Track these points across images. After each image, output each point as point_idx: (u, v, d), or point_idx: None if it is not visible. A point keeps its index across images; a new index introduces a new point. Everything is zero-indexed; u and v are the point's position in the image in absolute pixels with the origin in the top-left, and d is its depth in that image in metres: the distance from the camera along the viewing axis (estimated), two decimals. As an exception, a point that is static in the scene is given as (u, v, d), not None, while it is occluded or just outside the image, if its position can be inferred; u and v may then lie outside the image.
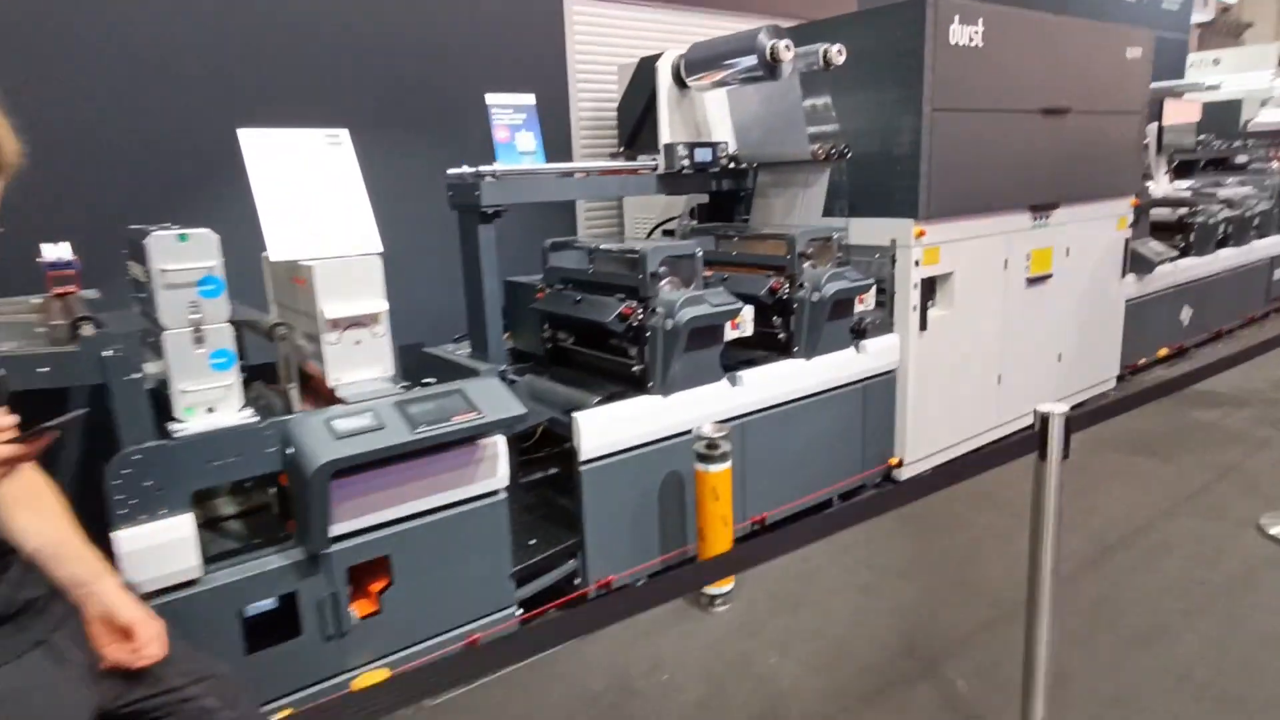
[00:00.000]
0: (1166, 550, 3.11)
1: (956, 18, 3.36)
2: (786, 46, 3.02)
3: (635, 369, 2.86)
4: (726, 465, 2.67)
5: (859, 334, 3.45)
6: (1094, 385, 4.84)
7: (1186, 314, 5.68)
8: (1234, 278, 6.12)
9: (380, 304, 2.26)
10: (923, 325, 3.57)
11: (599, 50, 4.26)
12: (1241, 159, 7.64)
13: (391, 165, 3.19)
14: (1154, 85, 5.24)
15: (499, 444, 2.42)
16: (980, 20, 3.45)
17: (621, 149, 3.91)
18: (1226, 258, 5.97)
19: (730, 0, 4.68)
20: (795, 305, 3.16)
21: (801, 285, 3.14)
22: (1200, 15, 22.62)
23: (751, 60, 3.08)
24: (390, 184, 2.75)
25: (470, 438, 2.31)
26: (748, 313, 2.99)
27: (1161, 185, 4.97)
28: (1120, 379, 5.24)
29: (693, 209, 4.05)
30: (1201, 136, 5.82)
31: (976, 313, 3.87)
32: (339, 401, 2.19)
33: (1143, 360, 5.23)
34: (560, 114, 4.13)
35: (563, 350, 3.24)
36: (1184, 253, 5.66)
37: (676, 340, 2.79)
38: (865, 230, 3.62)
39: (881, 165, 3.50)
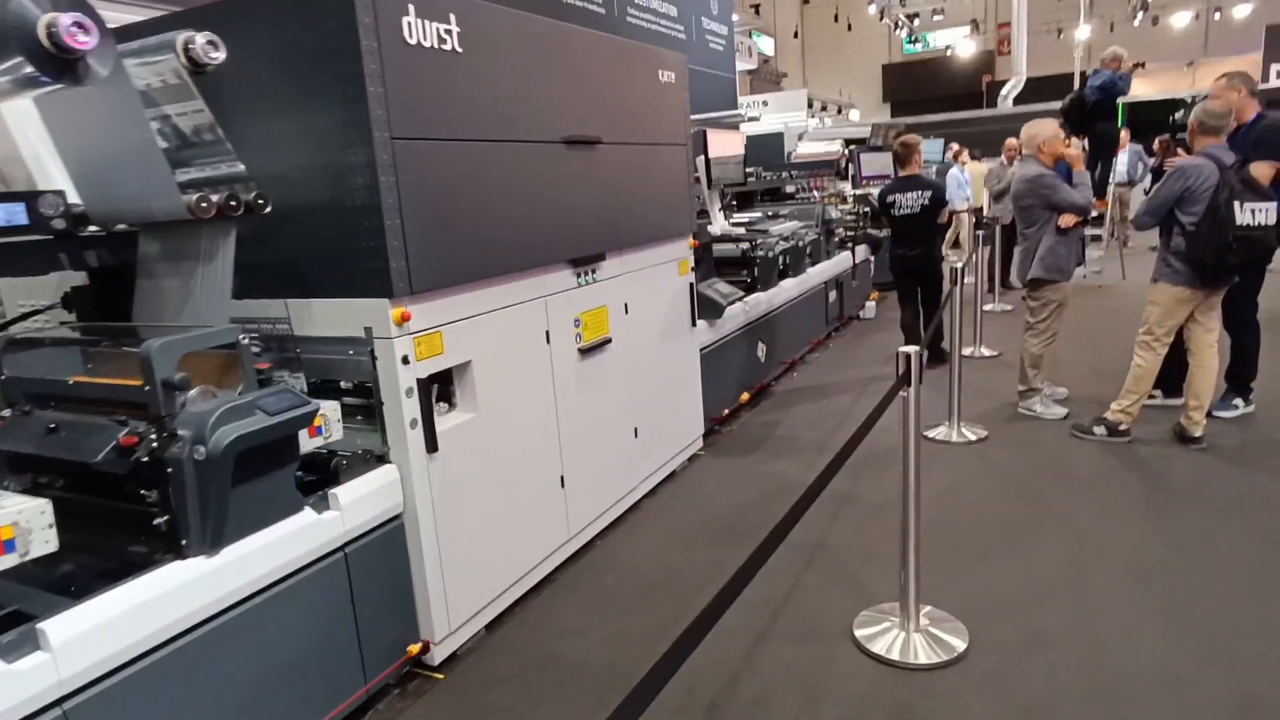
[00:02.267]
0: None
1: (411, 8, 2.33)
2: (78, 25, 1.70)
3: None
4: None
5: (322, 482, 2.24)
6: (680, 452, 4.24)
7: (762, 350, 5.49)
8: (797, 307, 6.17)
9: None
10: (431, 443, 2.48)
11: None
12: (791, 188, 8.08)
13: None
14: (696, 116, 4.90)
15: None
16: (452, 16, 2.48)
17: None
18: (789, 288, 5.97)
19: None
20: (170, 469, 1.83)
21: (175, 435, 1.83)
22: (746, 64, 25.78)
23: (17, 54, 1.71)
24: None
25: None
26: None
27: (719, 222, 4.63)
28: (711, 432, 4.78)
29: (66, 294, 2.54)
30: (750, 169, 5.78)
31: (516, 406, 2.91)
32: None
33: (726, 411, 4.82)
34: None
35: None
36: (750, 289, 5.47)
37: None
38: (329, 315, 2.44)
39: (329, 221, 2.35)
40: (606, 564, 3.38)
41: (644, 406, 3.80)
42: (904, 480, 2.65)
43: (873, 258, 8.87)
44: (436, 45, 2.43)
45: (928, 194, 5.71)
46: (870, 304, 8.22)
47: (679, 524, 3.73)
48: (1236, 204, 3.66)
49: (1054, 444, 4.36)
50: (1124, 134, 12.33)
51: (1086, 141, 8.94)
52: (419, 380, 2.43)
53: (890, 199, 5.79)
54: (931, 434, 4.56)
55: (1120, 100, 11.44)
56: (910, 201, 5.72)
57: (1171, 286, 3.96)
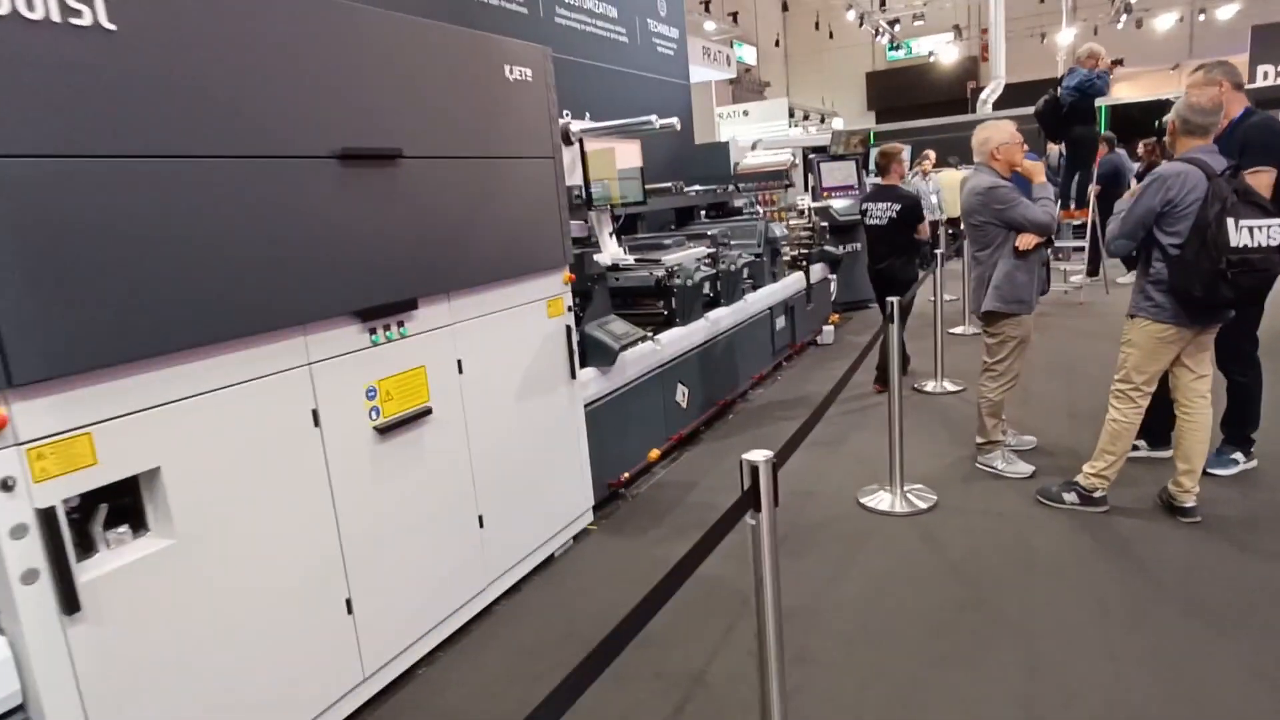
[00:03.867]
0: None
1: (1, -39, 1.57)
2: None
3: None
4: None
5: None
6: (558, 532, 3.46)
7: (683, 394, 4.71)
8: (733, 339, 5.40)
9: None
10: (69, 601, 1.69)
11: None
12: (739, 202, 7.33)
13: None
14: (593, 125, 4.14)
15: None
16: (94, -23, 1.71)
17: None
18: (721, 318, 5.20)
19: None
20: None
21: None
22: (726, 73, 25.22)
23: None
24: None
25: None
26: None
27: (610, 249, 3.86)
28: (611, 499, 3.99)
29: None
30: (670, 184, 5.00)
31: (254, 519, 2.12)
32: None
33: (626, 475, 4.03)
34: None
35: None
36: (667, 323, 4.70)
37: None
38: (-95, 418, 1.65)
39: None
40: (423, 707, 2.59)
41: (494, 486, 3.02)
42: (760, 663, 1.87)
43: (833, 277, 8.13)
44: (65, 20, 1.66)
45: (896, 206, 5.25)
46: (828, 328, 7.46)
47: (537, 637, 2.94)
48: (1230, 221, 2.90)
49: (1015, 514, 3.58)
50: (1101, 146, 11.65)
51: (1064, 146, 8.26)
52: (41, 511, 1.64)
53: (864, 207, 5.60)
54: (868, 501, 3.78)
55: (1100, 102, 10.76)
56: (879, 212, 5.36)
57: (1152, 324, 3.20)
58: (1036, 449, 4.31)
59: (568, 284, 3.46)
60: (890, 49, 29.66)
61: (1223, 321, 3.23)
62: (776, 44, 31.44)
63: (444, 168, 2.71)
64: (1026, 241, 3.70)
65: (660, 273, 4.59)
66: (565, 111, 4.83)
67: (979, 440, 4.08)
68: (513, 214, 3.07)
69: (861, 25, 26.80)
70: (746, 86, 27.69)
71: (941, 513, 3.66)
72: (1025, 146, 3.91)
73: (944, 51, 28.47)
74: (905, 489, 3.79)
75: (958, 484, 3.96)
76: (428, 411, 2.67)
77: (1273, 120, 3.44)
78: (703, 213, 6.90)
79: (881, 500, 3.76)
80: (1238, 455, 3.76)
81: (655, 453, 4.26)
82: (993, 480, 3.96)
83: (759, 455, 1.71)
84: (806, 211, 7.72)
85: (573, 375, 3.49)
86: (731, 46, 25.67)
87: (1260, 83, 17.36)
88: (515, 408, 3.15)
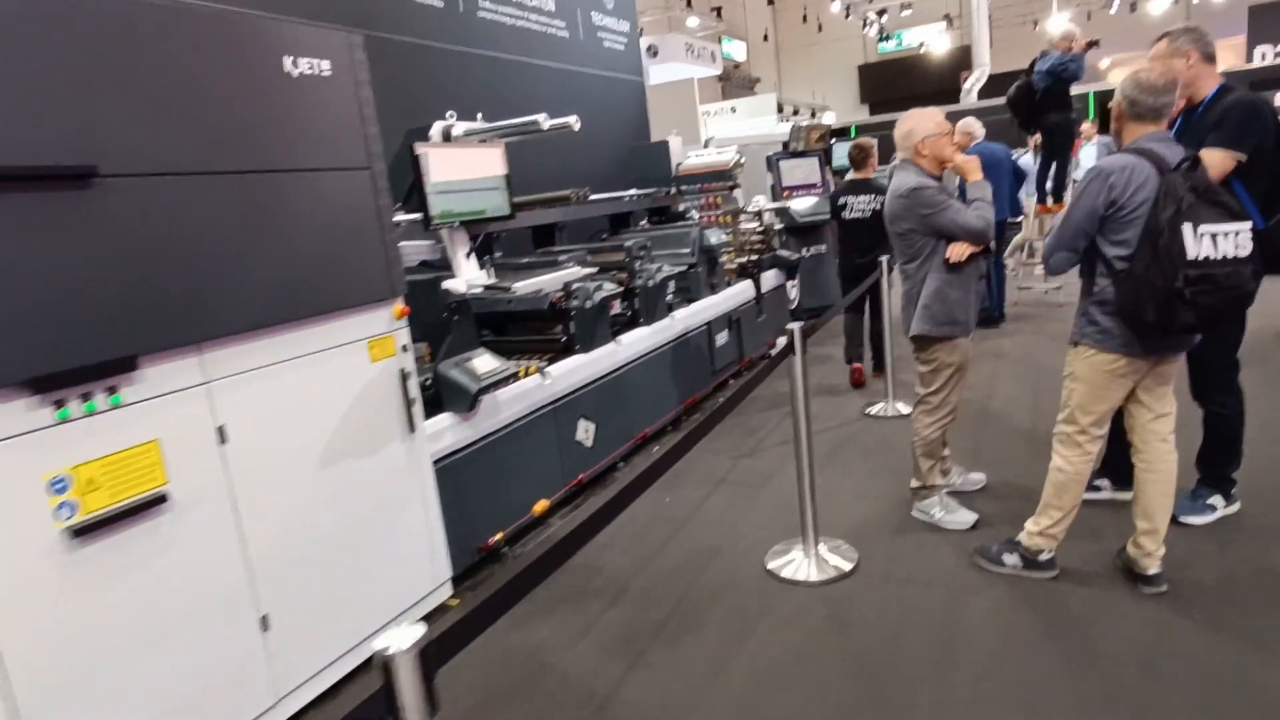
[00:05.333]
0: None
1: None
2: None
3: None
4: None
5: None
6: (395, 618, 2.88)
7: (587, 431, 4.13)
8: (654, 362, 4.81)
9: None
10: None
11: None
12: (683, 206, 6.74)
13: None
14: (476, 127, 3.56)
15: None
16: None
17: None
18: (639, 341, 4.62)
19: None
20: None
21: None
22: (712, 70, 24.67)
23: None
24: None
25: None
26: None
27: (467, 272, 3.26)
28: (480, 567, 3.42)
29: None
30: (570, 191, 4.39)
31: None
32: None
33: (499, 535, 3.44)
34: None
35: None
36: (566, 351, 4.12)
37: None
38: None
39: None
40: None
41: (284, 577, 2.45)
42: None
43: (791, 283, 7.54)
44: None
45: (881, 199, 4.83)
46: (784, 340, 6.84)
47: None
48: (1187, 226, 2.31)
49: (947, 581, 2.99)
50: (1092, 126, 11.02)
51: (1039, 135, 7.65)
52: None
53: (842, 201, 5.46)
54: (777, 565, 3.19)
55: (1089, 89, 10.07)
56: (862, 205, 5.25)
57: (1098, 354, 2.60)
58: (986, 488, 3.72)
59: (401, 319, 2.88)
60: (880, 40, 28.99)
61: (1186, 349, 2.64)
62: (765, 39, 30.88)
63: (179, 187, 2.13)
64: (958, 252, 3.10)
65: (560, 294, 4.02)
66: (450, 112, 4.28)
67: (914, 485, 3.49)
68: (303, 241, 2.50)
69: (848, 17, 26.19)
70: (736, 83, 27.10)
71: (860, 580, 3.07)
72: (957, 137, 3.32)
73: (935, 41, 27.79)
74: (821, 548, 3.20)
75: (888, 537, 3.36)
76: (162, 499, 2.10)
77: (1258, 100, 2.82)
78: (634, 219, 6.31)
79: (792, 563, 3.17)
80: (1215, 499, 3.16)
81: (543, 504, 3.67)
82: (929, 532, 3.37)
83: (400, 640, 1.11)
84: (759, 214, 7.12)
85: (411, 428, 2.92)
86: (719, 42, 25.15)
87: (1258, 63, 16.69)
88: (318, 477, 2.57)
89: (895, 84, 29.46)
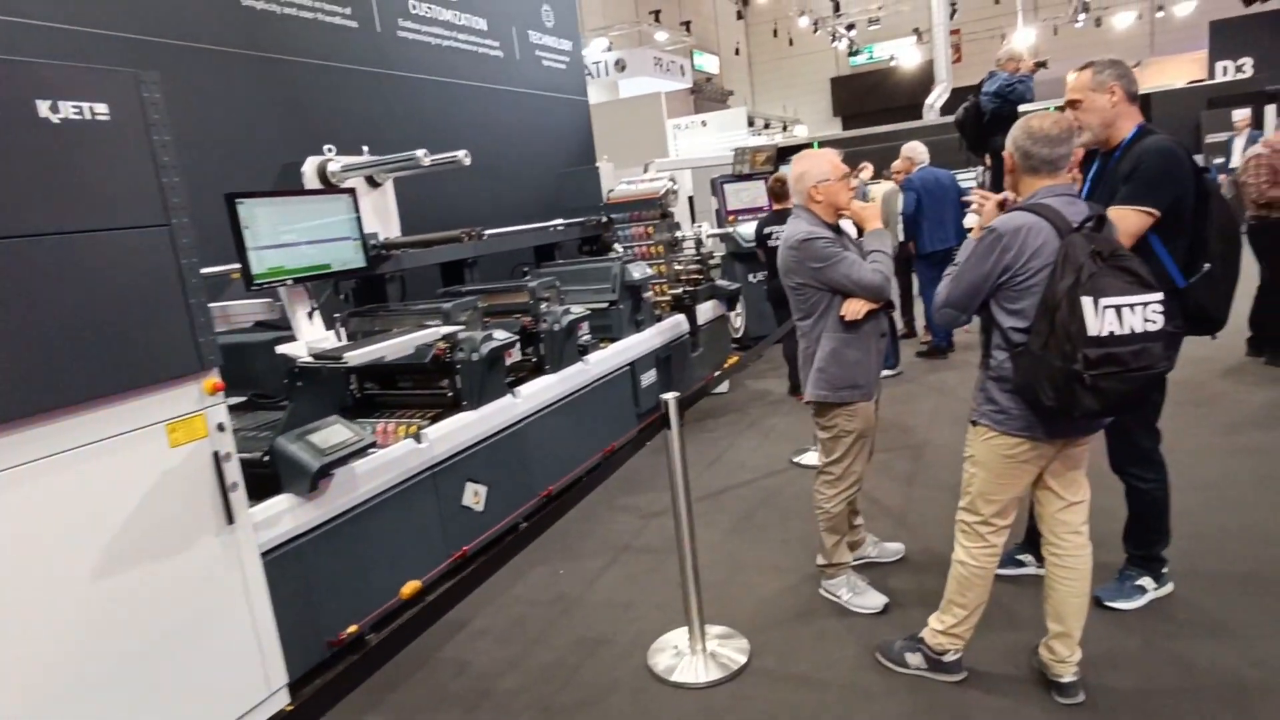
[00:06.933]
0: None
1: None
2: None
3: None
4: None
5: None
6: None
7: (476, 495, 3.77)
8: (565, 410, 4.46)
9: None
10: None
11: None
12: (617, 236, 6.40)
13: None
14: (354, 162, 3.19)
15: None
16: None
17: None
18: (541, 390, 4.26)
19: None
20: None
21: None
22: (682, 84, 24.35)
23: None
24: None
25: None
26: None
27: (310, 333, 2.87)
28: (332, 663, 3.03)
29: None
30: (461, 231, 4.01)
31: None
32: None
33: (353, 628, 3.05)
34: None
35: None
36: (453, 407, 3.77)
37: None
38: None
39: None
40: None
41: (52, 708, 2.07)
42: None
43: (734, 314, 7.23)
44: None
45: None
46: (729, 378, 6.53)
47: None
48: (1087, 301, 1.99)
49: (844, 683, 2.64)
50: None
51: (988, 159, 7.40)
52: None
53: (767, 230, 5.56)
54: (660, 662, 2.84)
55: (1052, 106, 9.88)
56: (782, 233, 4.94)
57: (999, 436, 2.28)
58: (905, 559, 3.39)
59: (215, 393, 2.51)
60: (851, 54, 28.95)
61: (1096, 430, 2.32)
62: (737, 52, 30.80)
63: None
64: (853, 309, 2.78)
65: (445, 345, 3.66)
66: (327, 147, 3.93)
67: (820, 562, 3.15)
68: (73, 313, 2.12)
69: (816, 31, 26.11)
70: (708, 96, 26.91)
71: (749, 681, 2.72)
72: (856, 180, 3.01)
73: (906, 55, 27.78)
74: (712, 642, 2.85)
75: (788, 624, 3.02)
76: None
77: (1173, 148, 2.51)
78: (559, 250, 5.97)
79: (677, 661, 2.81)
80: (1145, 581, 2.84)
81: (414, 585, 3.30)
82: (834, 617, 3.03)
83: None
84: (699, 241, 6.81)
85: (229, 519, 2.54)
86: (690, 56, 24.96)
87: (1220, 78, 16.69)
88: (106, 590, 2.19)
89: (868, 96, 29.46)
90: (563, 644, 3.07)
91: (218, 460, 2.52)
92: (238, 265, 2.73)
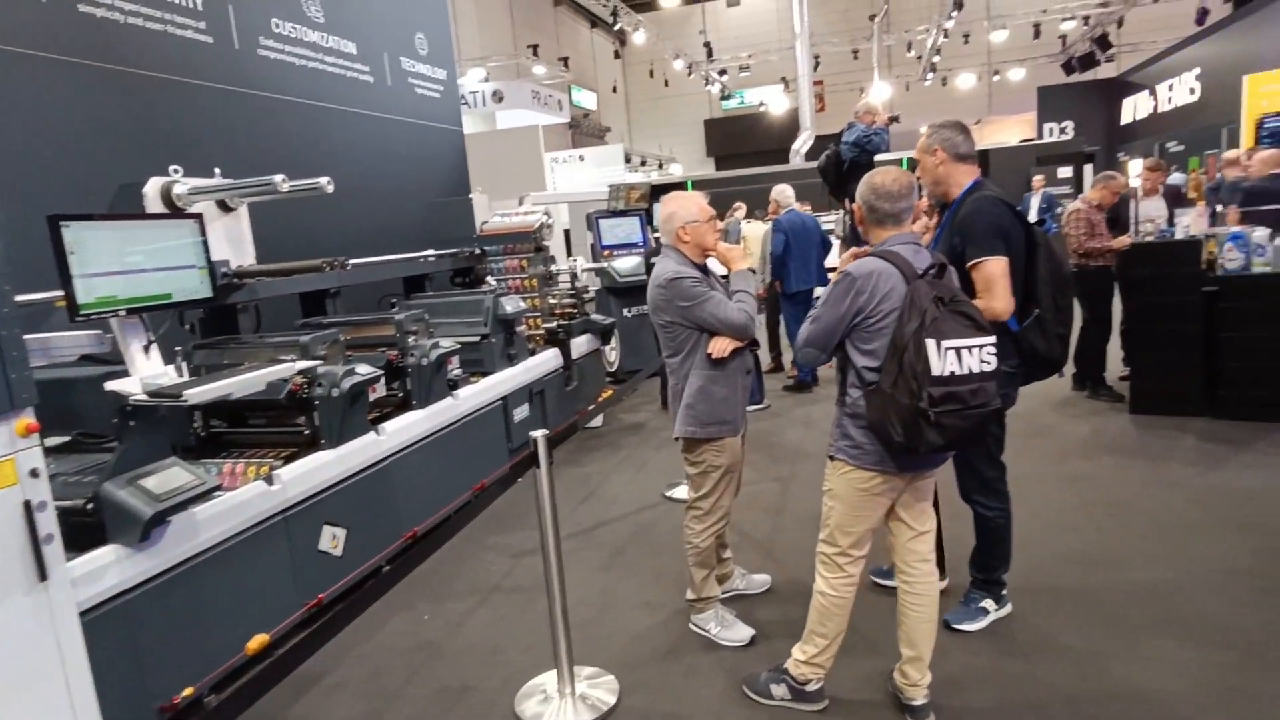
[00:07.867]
0: None
1: None
2: None
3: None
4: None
5: None
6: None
7: (335, 538, 3.56)
8: (435, 446, 4.32)
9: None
10: None
11: None
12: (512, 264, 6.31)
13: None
14: (205, 184, 2.97)
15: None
16: None
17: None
18: (405, 426, 4.10)
19: None
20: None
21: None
22: (559, 118, 24.38)
23: None
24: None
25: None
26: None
27: (146, 368, 2.65)
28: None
29: None
30: (321, 261, 3.86)
31: None
32: None
33: (189, 690, 2.80)
34: None
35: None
36: (310, 445, 3.56)
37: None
38: None
39: None
40: None
41: None
42: None
43: (608, 348, 7.27)
44: None
45: None
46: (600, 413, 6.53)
47: None
48: (931, 343, 2.12)
49: (713, 715, 2.65)
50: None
51: (848, 203, 7.87)
52: None
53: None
54: (526, 709, 2.75)
55: (901, 156, 10.60)
56: None
57: (854, 470, 2.38)
58: (772, 590, 3.47)
59: (27, 436, 2.25)
60: (724, 98, 30.13)
61: (941, 464, 2.47)
62: (615, 90, 31.36)
63: None
64: (720, 348, 2.85)
65: (302, 382, 3.46)
66: (174, 168, 3.68)
67: (689, 597, 3.17)
68: None
69: (690, 75, 27.02)
70: (586, 131, 27.22)
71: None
72: (720, 226, 3.11)
73: (775, 101, 29.16)
74: (581, 684, 2.79)
75: (658, 661, 3.01)
76: None
77: (986, 202, 2.74)
78: (430, 281, 5.83)
79: (544, 707, 2.74)
80: (987, 603, 3.04)
81: (261, 639, 3.06)
82: (703, 652, 3.05)
83: None
84: (574, 275, 6.83)
85: (42, 575, 2.27)
86: (568, 91, 25.19)
87: (1048, 138, 18.52)
88: None
89: (740, 139, 30.68)
90: (425, 695, 2.92)
91: (29, 510, 2.25)
92: (61, 293, 2.48)
